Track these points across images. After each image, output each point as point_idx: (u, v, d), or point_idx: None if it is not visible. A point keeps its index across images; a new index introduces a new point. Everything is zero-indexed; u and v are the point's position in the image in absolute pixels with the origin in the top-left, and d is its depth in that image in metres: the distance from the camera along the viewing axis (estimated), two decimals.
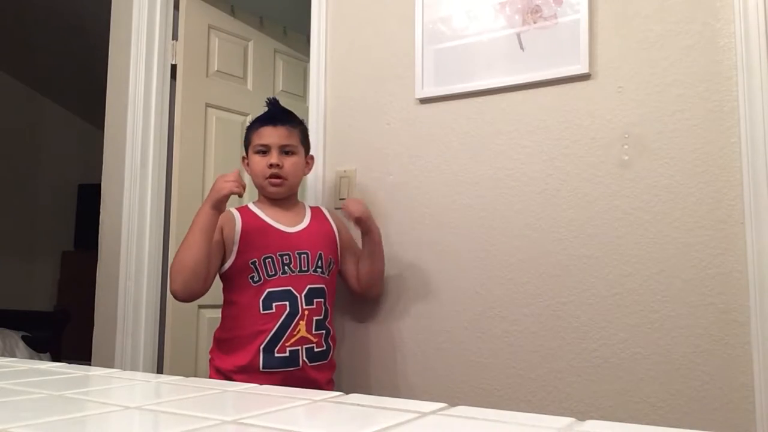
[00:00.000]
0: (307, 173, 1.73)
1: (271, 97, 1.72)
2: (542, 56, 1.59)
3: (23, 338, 3.52)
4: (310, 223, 1.66)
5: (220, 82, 2.49)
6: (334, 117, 1.93)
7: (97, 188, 2.46)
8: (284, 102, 2.88)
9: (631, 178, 1.47)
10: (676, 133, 1.43)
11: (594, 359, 1.48)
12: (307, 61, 2.17)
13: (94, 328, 2.37)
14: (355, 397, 0.54)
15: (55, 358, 3.62)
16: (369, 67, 1.88)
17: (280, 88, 2.74)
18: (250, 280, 1.53)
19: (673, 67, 1.45)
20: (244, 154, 1.69)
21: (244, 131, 1.71)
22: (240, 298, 1.55)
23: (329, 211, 1.76)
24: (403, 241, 1.75)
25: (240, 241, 1.55)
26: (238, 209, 1.64)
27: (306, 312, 1.53)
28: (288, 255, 1.55)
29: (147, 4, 2.35)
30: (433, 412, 0.47)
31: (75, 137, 5.06)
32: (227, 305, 1.60)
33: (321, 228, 1.68)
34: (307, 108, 2.02)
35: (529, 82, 1.60)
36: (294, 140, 1.63)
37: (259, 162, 1.62)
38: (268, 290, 1.52)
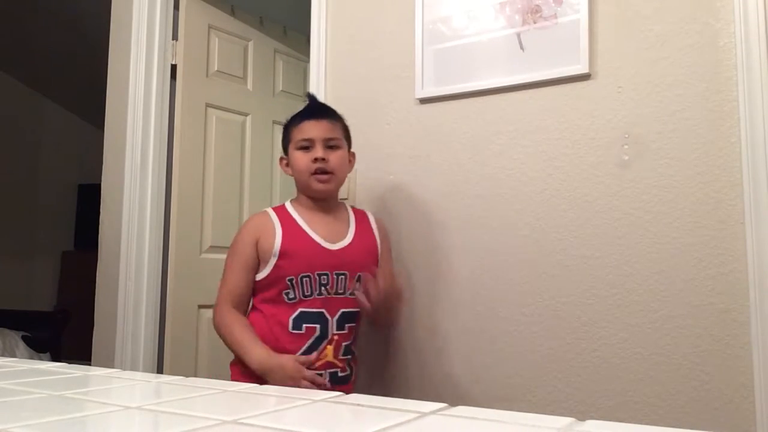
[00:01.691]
0: (350, 171, 1.62)
1: (309, 91, 1.68)
2: (542, 56, 1.59)
3: (23, 338, 3.51)
4: (354, 238, 1.55)
5: (220, 82, 2.50)
6: None
7: (97, 188, 2.46)
8: (284, 102, 2.89)
9: (631, 178, 1.47)
10: (676, 133, 1.43)
11: (594, 359, 1.48)
12: (307, 61, 2.17)
13: (94, 328, 2.37)
14: (355, 397, 0.54)
15: (55, 358, 3.62)
16: (369, 67, 1.88)
17: (280, 88, 2.74)
18: (285, 296, 1.47)
19: (673, 67, 1.45)
20: (283, 154, 1.59)
21: (282, 131, 1.61)
22: (270, 311, 1.48)
23: (376, 220, 1.65)
24: (402, 241, 1.75)
25: (280, 254, 1.47)
26: (275, 211, 1.55)
27: (335, 337, 1.47)
28: (326, 275, 1.47)
29: (147, 4, 2.35)
30: (433, 412, 0.47)
31: (75, 137, 5.06)
32: (255, 313, 1.52)
33: (365, 243, 1.57)
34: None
35: (529, 82, 1.60)
36: (338, 133, 1.54)
37: (302, 158, 1.51)
38: (300, 310, 1.46)
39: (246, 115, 2.58)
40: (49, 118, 5.09)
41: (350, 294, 1.49)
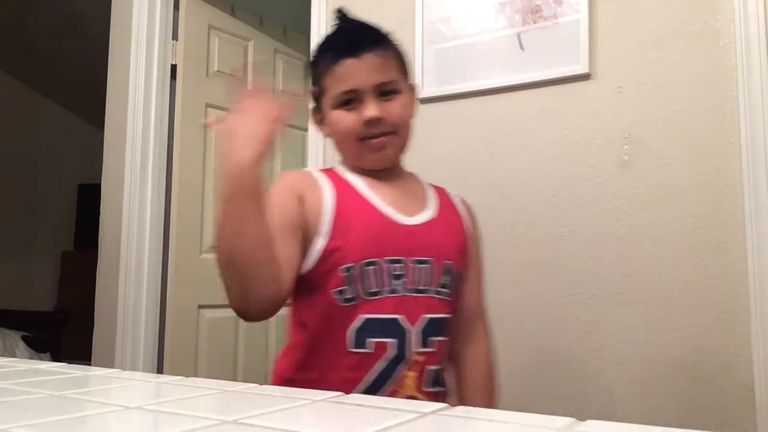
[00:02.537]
0: (414, 115, 1.09)
1: (340, 8, 1.14)
2: (542, 56, 1.59)
3: (23, 338, 3.51)
4: (438, 212, 1.07)
5: (220, 82, 2.49)
6: None
7: (97, 188, 2.46)
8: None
9: (631, 178, 1.47)
10: (676, 133, 1.43)
11: (594, 359, 1.48)
12: None
13: (94, 328, 2.37)
14: (355, 397, 0.54)
15: (55, 358, 3.62)
16: None
17: (280, 88, 2.74)
18: (338, 297, 0.97)
19: (673, 67, 1.45)
20: (314, 104, 1.11)
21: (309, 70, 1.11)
22: (317, 322, 0.99)
23: (462, 201, 1.17)
24: None
25: (333, 228, 0.98)
26: (325, 173, 1.06)
27: (419, 359, 0.98)
28: (401, 263, 0.99)
29: (147, 4, 2.35)
30: (433, 412, 0.47)
31: (75, 137, 5.05)
32: (297, 328, 1.04)
33: (450, 222, 1.10)
34: (307, 108, 2.02)
35: (529, 82, 1.60)
36: (393, 71, 1.03)
37: (347, 119, 1.01)
38: (364, 317, 0.96)
39: None
40: (49, 118, 5.09)
41: (437, 292, 1.01)
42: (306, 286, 0.99)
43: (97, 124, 2.87)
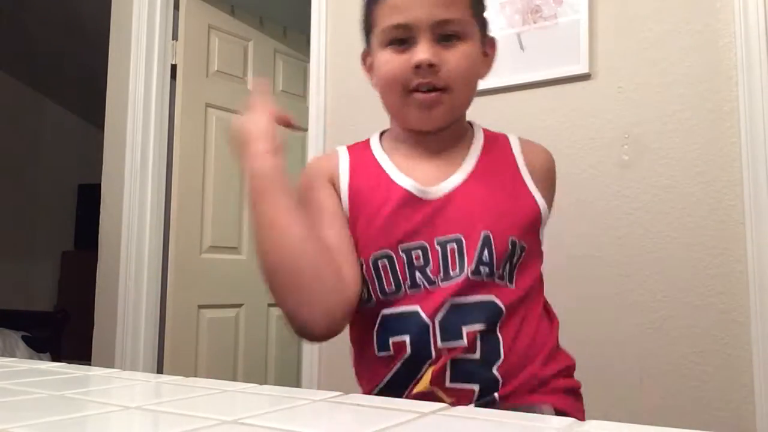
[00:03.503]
0: (485, 75, 0.93)
1: None
2: (542, 56, 1.59)
3: (23, 338, 3.51)
4: (473, 172, 0.85)
5: (220, 82, 2.50)
6: (334, 117, 1.92)
7: (97, 188, 2.46)
8: (284, 102, 2.86)
9: (631, 178, 1.47)
10: (676, 133, 1.43)
11: (594, 359, 1.48)
12: (307, 61, 2.18)
13: (94, 328, 2.37)
14: (355, 397, 0.54)
15: (55, 358, 3.62)
16: None
17: (280, 88, 2.74)
18: (362, 297, 0.83)
19: (673, 67, 1.45)
20: (365, 46, 0.91)
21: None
22: (353, 325, 0.85)
23: (523, 145, 0.95)
24: None
25: (349, 217, 0.84)
26: (351, 149, 0.92)
27: (443, 351, 0.78)
28: (421, 249, 0.80)
29: (147, 4, 2.35)
30: (433, 412, 0.47)
31: (75, 137, 5.05)
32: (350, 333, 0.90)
33: (497, 181, 0.87)
34: (307, 108, 2.02)
35: (529, 82, 1.60)
36: (460, 10, 0.82)
37: (393, 62, 0.82)
38: (382, 313, 0.81)
39: None
40: (49, 118, 5.09)
41: (474, 272, 0.79)
42: None
43: (97, 124, 2.87)
